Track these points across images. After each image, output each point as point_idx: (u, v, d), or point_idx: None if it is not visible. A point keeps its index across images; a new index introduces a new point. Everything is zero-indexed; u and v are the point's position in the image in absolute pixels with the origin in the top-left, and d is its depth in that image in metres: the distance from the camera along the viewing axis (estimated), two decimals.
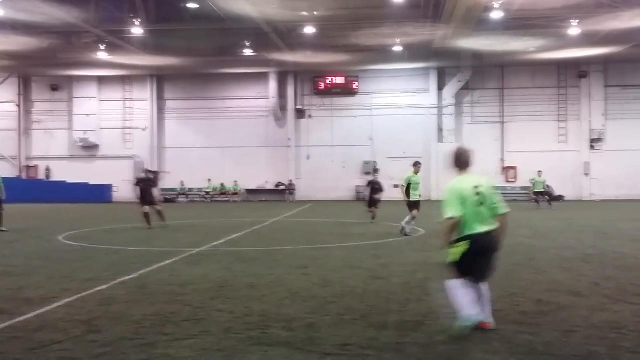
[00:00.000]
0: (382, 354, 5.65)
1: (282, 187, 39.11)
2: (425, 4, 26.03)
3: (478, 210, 6.07)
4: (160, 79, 39.54)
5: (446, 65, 38.19)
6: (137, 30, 27.98)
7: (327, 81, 40.15)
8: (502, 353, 5.63)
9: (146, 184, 19.33)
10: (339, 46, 32.26)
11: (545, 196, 29.33)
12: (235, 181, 38.97)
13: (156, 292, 8.57)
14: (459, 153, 6.42)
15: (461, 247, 6.03)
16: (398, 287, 8.83)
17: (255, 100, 40.04)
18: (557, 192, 36.85)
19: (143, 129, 39.08)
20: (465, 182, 6.20)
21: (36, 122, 39.23)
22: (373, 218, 20.18)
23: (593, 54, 34.31)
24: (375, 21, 27.92)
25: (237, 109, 39.85)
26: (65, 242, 15.04)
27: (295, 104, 40.24)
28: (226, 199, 38.77)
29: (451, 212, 6.06)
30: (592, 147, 38.27)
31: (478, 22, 27.07)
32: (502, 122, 39.24)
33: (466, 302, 6.00)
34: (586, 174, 38.09)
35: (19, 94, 38.93)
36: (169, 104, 40.21)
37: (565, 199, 37.02)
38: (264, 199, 38.70)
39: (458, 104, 39.24)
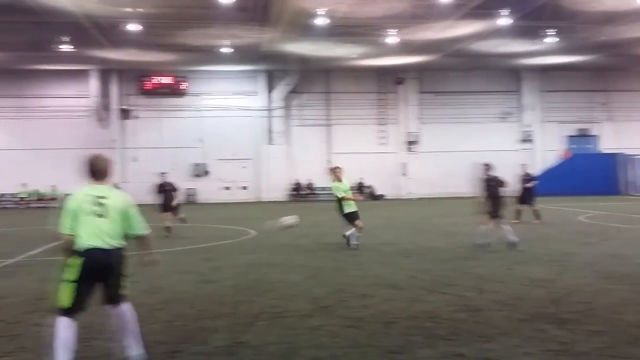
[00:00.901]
0: (213, 358, 5.62)
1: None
2: (254, 7, 26.24)
3: (97, 223, 5.32)
4: None
5: (274, 68, 38.77)
6: None
7: (154, 81, 38.94)
8: (330, 348, 5.85)
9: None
10: (165, 45, 31.44)
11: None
12: (54, 185, 36.44)
13: None
14: (91, 161, 5.55)
15: (74, 264, 5.27)
16: (229, 290, 8.82)
17: (74, 99, 37.76)
18: (378, 191, 39.08)
19: None
20: (89, 191, 5.42)
21: None
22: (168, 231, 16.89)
23: (409, 62, 36.76)
24: (203, 21, 27.60)
25: (54, 108, 37.31)
26: None
27: (120, 104, 38.58)
28: (43, 205, 36.12)
29: (62, 227, 5.38)
30: (408, 148, 40.97)
31: (304, 28, 27.83)
32: (328, 125, 40.70)
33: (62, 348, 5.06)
34: (404, 174, 40.68)
35: None
36: None
37: (385, 197, 39.27)
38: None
39: (287, 106, 40.04)
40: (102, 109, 38.26)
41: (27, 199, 36.83)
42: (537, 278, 9.25)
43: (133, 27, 27.38)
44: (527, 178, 20.06)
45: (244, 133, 39.64)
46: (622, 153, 39.51)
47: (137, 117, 38.98)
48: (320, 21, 26.37)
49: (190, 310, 7.52)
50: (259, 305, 7.71)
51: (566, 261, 11.01)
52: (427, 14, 26.28)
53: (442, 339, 6.11)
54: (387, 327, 6.58)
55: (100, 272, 5.31)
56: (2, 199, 36.69)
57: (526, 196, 19.51)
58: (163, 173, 18.99)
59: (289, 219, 13.02)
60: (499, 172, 13.35)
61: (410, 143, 41.13)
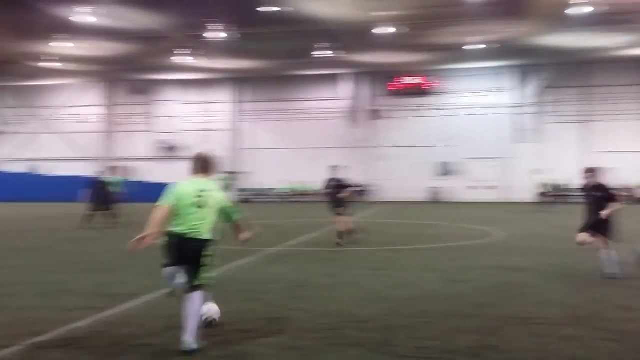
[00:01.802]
0: (457, 358, 5.55)
1: (357, 189, 39.01)
2: (506, 1, 25.39)
3: (191, 214, 5.95)
4: (239, 81, 40.33)
5: (526, 63, 37.11)
6: (216, 34, 28.66)
7: (402, 82, 39.84)
8: None
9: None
10: (416, 45, 31.93)
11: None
12: (309, 182, 39.28)
13: (234, 290, 8.73)
14: (197, 157, 6.29)
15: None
16: (476, 291, 8.64)
17: (329, 101, 40.21)
18: None
19: (218, 131, 40.01)
20: (192, 187, 6.05)
21: (120, 124, 40.84)
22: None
23: None
24: (453, 20, 27.47)
25: (311, 110, 40.14)
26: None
27: (370, 105, 40.15)
28: (300, 199, 39.10)
29: (161, 201, 6.00)
30: None
31: (561, 18, 26.15)
32: (586, 121, 37.74)
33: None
34: None
35: (105, 98, 40.68)
36: (247, 105, 40.95)
37: None
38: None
39: (539, 102, 38.05)
40: (354, 110, 40.14)
41: (287, 193, 40.08)
42: None
43: (385, 30, 28.22)
44: None
45: (490, 131, 38.58)
46: None
47: (385, 117, 40.16)
48: (580, 10, 24.51)
49: (435, 308, 7.51)
50: (507, 309, 7.42)
51: None
52: None
53: None
54: None
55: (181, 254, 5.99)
56: (268, 193, 40.43)
57: None
58: (334, 167, 15.13)
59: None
60: None
61: None
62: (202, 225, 6.00)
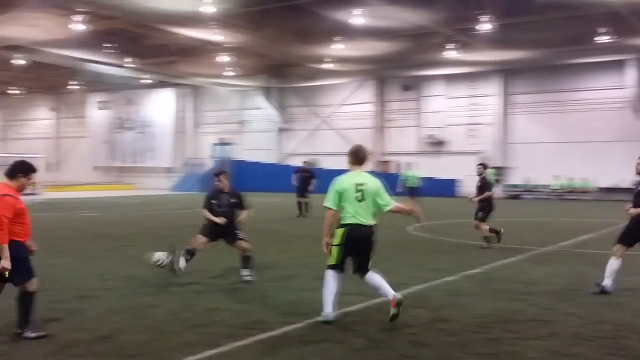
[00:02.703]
0: None
1: None
2: None
3: (358, 205, 6.47)
4: (507, 73, 39.06)
5: None
6: (484, 26, 28.13)
7: None
8: None
9: (304, 175, 20.44)
10: None
11: None
12: (586, 178, 36.44)
13: (501, 288, 8.54)
14: (354, 150, 6.76)
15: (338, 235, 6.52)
16: None
17: (609, 90, 36.77)
18: None
19: (487, 125, 39.22)
20: (351, 180, 6.55)
21: (389, 120, 42.41)
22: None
23: None
24: None
25: (589, 100, 37.13)
26: (413, 233, 15.97)
27: None
28: (574, 197, 36.51)
29: (327, 203, 6.56)
30: None
31: None
32: None
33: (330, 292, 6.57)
34: None
35: (375, 95, 42.56)
36: (516, 98, 39.48)
37: None
38: (619, 199, 35.22)
39: None
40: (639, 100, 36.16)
41: (560, 190, 37.75)
42: None
43: None
44: None
45: None
46: None
47: None
48: None
49: None
50: None
51: None
52: None
53: None
54: None
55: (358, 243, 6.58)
56: (536, 189, 38.56)
57: None
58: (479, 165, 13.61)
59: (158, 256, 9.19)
60: None
61: None
62: (367, 214, 6.56)
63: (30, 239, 6.13)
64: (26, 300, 5.91)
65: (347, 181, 6.64)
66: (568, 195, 37.27)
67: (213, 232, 9.10)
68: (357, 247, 6.63)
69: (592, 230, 16.95)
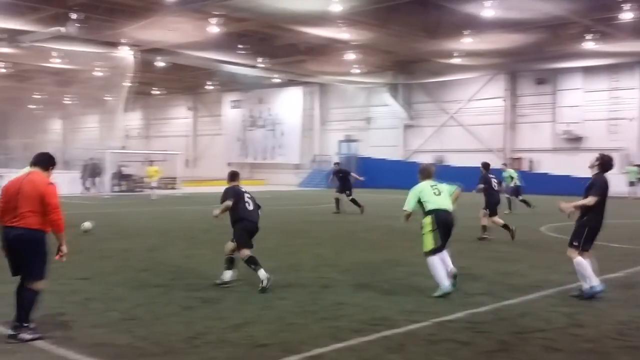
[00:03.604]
0: None
1: None
2: None
3: (436, 198, 8.16)
4: None
5: None
6: (626, 15, 26.27)
7: None
8: None
9: (344, 174, 21.31)
10: None
11: None
12: None
13: None
14: (424, 168, 8.72)
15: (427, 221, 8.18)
16: None
17: None
18: None
19: (630, 120, 36.57)
20: (427, 184, 8.32)
21: (521, 115, 40.73)
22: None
23: None
24: None
25: None
26: (547, 234, 15.27)
27: None
28: None
29: (406, 206, 8.31)
30: None
31: None
32: None
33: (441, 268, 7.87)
34: None
35: (506, 90, 41.03)
36: None
37: None
38: None
39: None
40: None
41: None
42: None
43: None
44: None
45: None
46: None
47: None
48: None
49: None
50: None
51: None
52: None
53: None
54: None
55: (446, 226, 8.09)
56: None
57: None
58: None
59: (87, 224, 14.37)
60: None
61: None
62: (446, 202, 8.16)
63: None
64: (30, 297, 5.83)
65: (425, 185, 8.31)
66: None
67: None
68: (447, 226, 8.10)
69: None
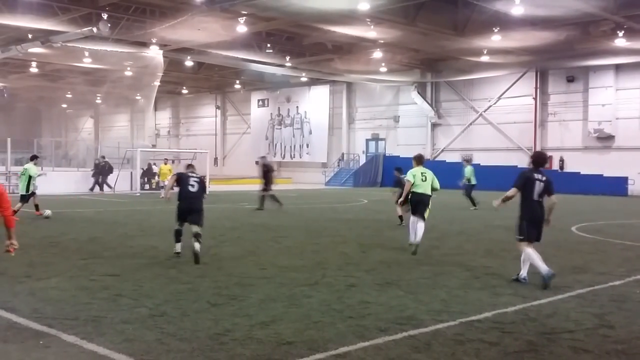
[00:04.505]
0: None
1: None
2: None
3: (422, 183, 11.49)
4: None
5: None
6: None
7: None
8: None
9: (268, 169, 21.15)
10: None
11: None
12: None
13: None
14: (418, 156, 12.10)
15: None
16: None
17: None
18: None
19: None
20: (419, 170, 11.67)
21: (551, 114, 40.17)
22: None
23: None
24: None
25: None
26: (577, 233, 15.06)
27: None
28: None
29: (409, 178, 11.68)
30: None
31: None
32: None
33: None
34: None
35: (535, 88, 40.49)
36: None
37: None
38: None
39: None
40: None
41: None
42: None
43: None
44: None
45: None
46: None
47: None
48: None
49: None
50: None
51: None
52: None
53: None
54: None
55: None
56: None
57: None
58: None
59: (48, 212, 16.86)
60: None
61: None
62: (428, 187, 11.48)
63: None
64: None
65: (417, 171, 11.62)
66: None
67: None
68: (421, 205, 11.52)
69: None
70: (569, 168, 38.36)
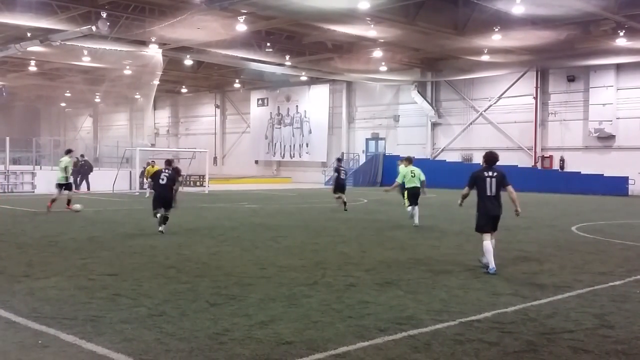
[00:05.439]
0: None
1: None
2: None
3: (412, 179, 15.41)
4: None
5: None
6: None
7: None
8: None
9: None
10: None
11: None
12: None
13: None
14: (408, 158, 16.31)
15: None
16: None
17: None
18: None
19: None
20: (409, 169, 15.57)
21: (552, 113, 40.14)
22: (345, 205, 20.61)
23: None
24: None
25: None
26: (577, 233, 15.04)
27: None
28: None
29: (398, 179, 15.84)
30: None
31: None
32: None
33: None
34: None
35: (536, 87, 40.44)
36: None
37: None
38: None
39: None
40: None
41: None
42: None
43: None
44: None
45: None
46: None
47: None
48: None
49: None
50: None
51: None
52: None
53: None
54: None
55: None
56: None
57: None
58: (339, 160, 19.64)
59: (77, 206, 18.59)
60: None
61: None
62: (417, 181, 15.31)
63: None
64: None
65: (407, 170, 15.40)
66: None
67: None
68: (414, 197, 15.52)
69: None
70: (570, 168, 38.33)
